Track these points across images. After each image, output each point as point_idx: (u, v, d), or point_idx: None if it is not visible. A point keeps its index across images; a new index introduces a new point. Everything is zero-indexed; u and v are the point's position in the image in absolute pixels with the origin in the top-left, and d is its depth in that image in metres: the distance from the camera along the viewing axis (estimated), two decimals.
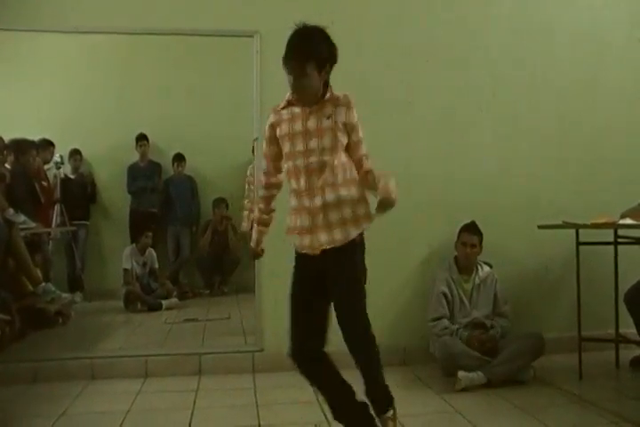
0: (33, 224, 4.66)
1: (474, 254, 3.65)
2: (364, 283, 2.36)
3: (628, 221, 3.25)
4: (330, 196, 2.26)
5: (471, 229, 3.66)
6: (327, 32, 2.27)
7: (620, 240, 3.60)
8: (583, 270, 3.55)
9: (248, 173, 5.03)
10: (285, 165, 2.35)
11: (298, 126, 2.29)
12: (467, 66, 4.03)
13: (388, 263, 3.88)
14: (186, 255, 6.61)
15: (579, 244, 3.53)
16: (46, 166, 5.77)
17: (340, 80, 3.81)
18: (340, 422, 2.38)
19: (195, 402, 3.16)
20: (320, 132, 2.26)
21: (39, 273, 4.11)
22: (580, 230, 3.50)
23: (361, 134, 2.35)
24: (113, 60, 6.25)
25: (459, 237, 3.68)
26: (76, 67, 6.29)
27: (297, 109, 2.32)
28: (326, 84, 2.31)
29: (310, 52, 2.21)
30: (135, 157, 6.60)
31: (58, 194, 5.84)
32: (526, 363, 3.41)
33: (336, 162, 2.27)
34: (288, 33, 3.80)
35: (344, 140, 2.30)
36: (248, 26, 3.80)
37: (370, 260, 3.82)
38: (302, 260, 2.36)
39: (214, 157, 6.56)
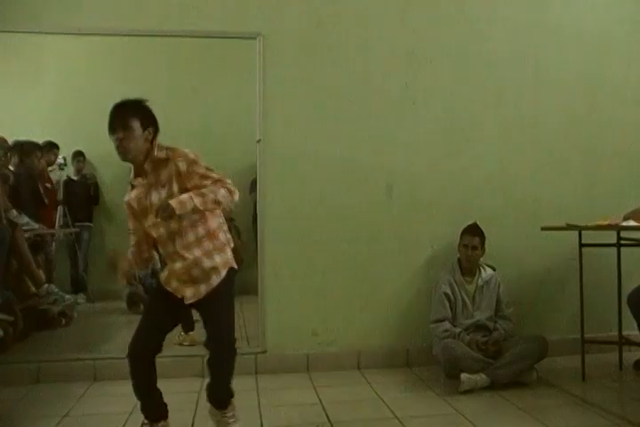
0: (36, 226, 4.68)
1: (476, 256, 3.65)
2: (232, 307, 2.62)
3: (631, 222, 3.24)
4: (188, 257, 2.48)
5: (473, 230, 3.66)
6: (147, 104, 2.53)
7: (622, 242, 3.60)
8: (586, 272, 3.54)
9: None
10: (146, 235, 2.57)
11: (143, 202, 2.49)
12: (470, 66, 4.02)
13: (390, 265, 3.89)
14: None
15: (581, 246, 3.53)
16: (50, 168, 5.79)
17: (344, 81, 3.87)
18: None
19: (197, 403, 3.17)
20: (155, 205, 2.43)
21: (42, 274, 4.12)
22: (583, 232, 3.50)
23: (202, 170, 2.51)
24: (116, 62, 6.26)
25: (461, 239, 3.68)
26: (79, 68, 6.29)
27: (140, 183, 2.52)
28: (151, 155, 2.49)
29: (133, 110, 2.47)
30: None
31: (61, 196, 5.85)
32: (529, 365, 3.40)
33: (184, 224, 2.45)
34: (290, 35, 3.86)
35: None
36: (251, 28, 3.81)
37: (373, 261, 3.86)
38: (166, 292, 2.59)
39: (216, 158, 6.54)
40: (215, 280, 2.53)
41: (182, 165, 2.45)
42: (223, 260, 2.57)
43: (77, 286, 6.13)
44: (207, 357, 2.59)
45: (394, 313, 3.89)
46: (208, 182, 2.46)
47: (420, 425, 2.84)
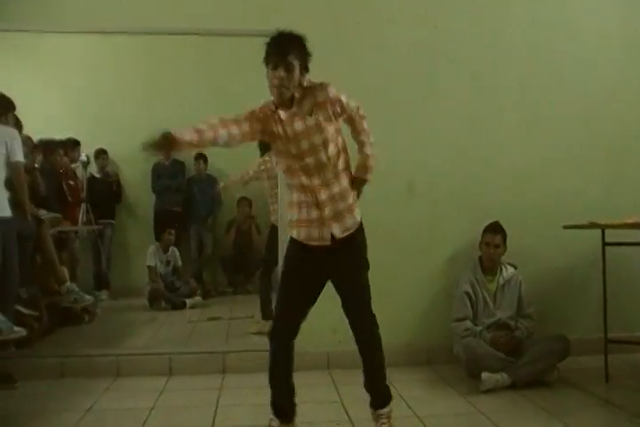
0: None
1: (497, 255, 3.62)
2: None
3: None
4: (334, 189, 2.41)
5: (494, 229, 3.63)
6: (304, 39, 2.40)
7: None
8: (610, 271, 3.50)
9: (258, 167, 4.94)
10: (282, 163, 2.46)
11: (288, 130, 2.38)
12: (490, 62, 3.99)
13: (412, 263, 3.88)
14: (208, 253, 6.66)
15: (605, 244, 3.49)
16: (73, 165, 5.86)
17: (364, 78, 3.86)
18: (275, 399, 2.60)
19: (218, 400, 3.19)
20: (308, 133, 2.36)
21: (65, 272, 4.16)
22: (607, 231, 3.45)
23: (353, 104, 2.48)
24: (138, 60, 6.32)
25: (482, 238, 3.66)
26: (101, 67, 6.36)
27: (283, 114, 2.39)
28: (301, 86, 2.39)
29: (297, 48, 2.33)
30: (159, 155, 6.64)
31: (84, 193, 5.92)
32: (551, 364, 3.38)
33: (330, 154, 2.38)
34: (309, 32, 3.83)
35: (332, 128, 2.40)
36: (270, 26, 3.79)
37: (394, 259, 3.85)
38: (303, 251, 2.47)
39: (235, 156, 6.58)
40: (357, 216, 2.49)
41: (332, 95, 2.41)
42: (354, 198, 2.52)
43: (100, 282, 6.21)
44: (357, 338, 2.55)
45: (414, 311, 3.87)
46: (360, 129, 2.55)
47: (440, 424, 2.83)
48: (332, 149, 2.39)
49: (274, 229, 4.43)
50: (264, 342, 3.93)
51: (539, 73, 4.04)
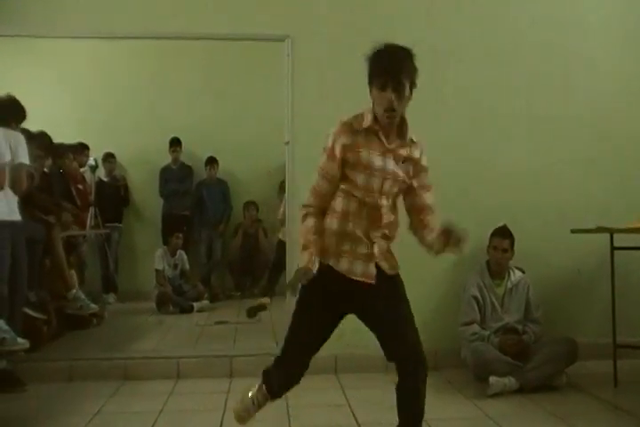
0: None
1: (505, 259, 3.61)
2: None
3: None
4: (391, 236, 2.23)
5: (503, 233, 3.63)
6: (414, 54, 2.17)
7: None
8: (618, 275, 3.49)
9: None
10: (352, 194, 2.11)
11: (377, 160, 2.08)
12: (498, 64, 4.00)
13: (418, 267, 3.85)
14: (217, 258, 6.67)
15: (613, 248, 3.47)
16: (82, 169, 5.89)
17: (365, 81, 3.85)
18: None
19: (226, 404, 3.18)
20: (396, 176, 2.12)
21: (74, 277, 4.19)
22: (615, 235, 3.44)
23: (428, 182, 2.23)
24: (147, 65, 6.36)
25: (490, 242, 3.65)
26: (110, 71, 6.41)
27: (374, 138, 2.10)
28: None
29: (413, 72, 2.10)
30: (167, 159, 6.69)
31: (92, 197, 5.95)
32: (559, 369, 3.36)
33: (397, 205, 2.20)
34: (319, 36, 3.87)
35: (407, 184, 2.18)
36: (279, 30, 3.83)
37: (400, 263, 3.83)
38: (337, 284, 2.15)
39: (245, 160, 6.62)
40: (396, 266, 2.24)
41: (425, 161, 2.21)
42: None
43: (108, 285, 6.25)
44: (399, 378, 2.14)
45: (422, 315, 3.80)
46: (426, 202, 2.25)
47: None
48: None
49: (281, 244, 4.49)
50: (271, 346, 3.96)
51: (543, 74, 4.04)
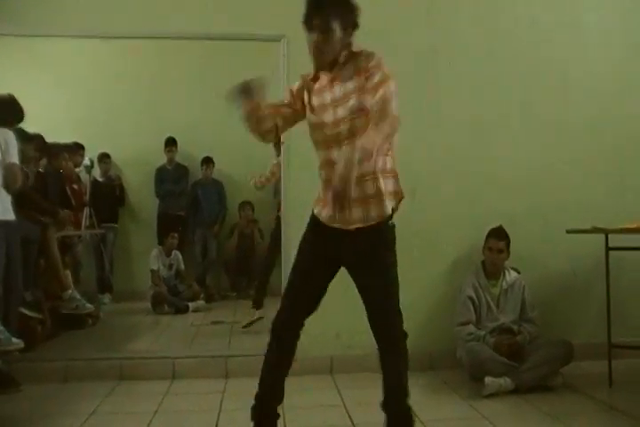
0: None
1: (501, 260, 3.62)
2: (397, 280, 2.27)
3: None
4: (366, 165, 2.08)
5: (498, 233, 3.63)
6: None
7: None
8: (613, 276, 3.50)
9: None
10: (313, 135, 2.26)
11: (326, 97, 2.19)
12: (495, 66, 4.00)
13: (414, 267, 3.87)
14: (212, 258, 6.67)
15: (608, 249, 3.48)
16: (77, 169, 5.87)
17: None
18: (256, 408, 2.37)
19: (221, 404, 3.19)
20: (346, 97, 2.14)
21: (69, 277, 4.18)
22: (610, 235, 3.45)
23: (378, 78, 2.14)
24: (142, 65, 6.35)
25: (486, 242, 3.66)
26: (106, 71, 6.39)
27: (324, 81, 2.22)
28: (348, 48, 2.20)
29: (335, 8, 2.12)
30: (163, 159, 6.68)
31: (87, 197, 5.94)
32: (555, 369, 3.37)
33: (370, 123, 2.08)
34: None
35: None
36: (275, 30, 3.83)
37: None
38: (323, 233, 2.22)
39: (241, 160, 6.61)
40: (383, 211, 2.15)
41: (371, 64, 2.18)
42: (394, 188, 2.20)
43: (103, 286, 6.23)
44: (379, 353, 2.24)
45: (417, 316, 3.86)
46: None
47: None
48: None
49: (279, 220, 4.43)
50: (265, 346, 3.96)
51: (542, 77, 4.04)
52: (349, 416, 2.99)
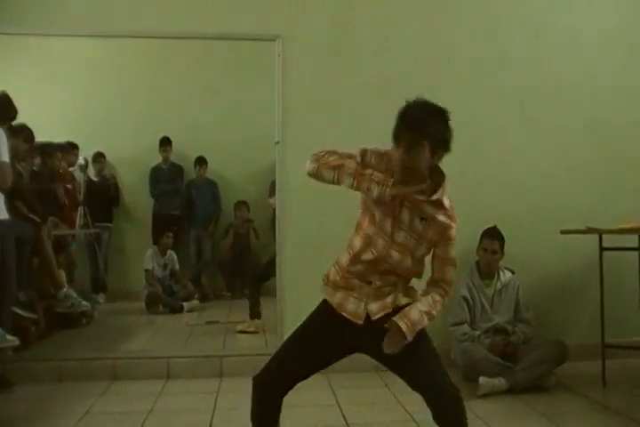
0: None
1: (495, 260, 3.63)
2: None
3: None
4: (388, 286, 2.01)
5: (492, 234, 3.64)
6: (448, 115, 1.99)
7: None
8: (607, 276, 3.51)
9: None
10: (369, 233, 2.00)
11: (388, 213, 1.96)
12: (491, 69, 4.02)
13: None
14: (207, 258, 6.66)
15: (602, 249, 3.49)
16: (71, 169, 5.86)
17: (364, 83, 3.87)
18: None
19: (216, 404, 3.18)
20: (412, 230, 1.97)
21: (63, 276, 4.16)
22: (604, 236, 3.46)
23: (453, 254, 2.04)
24: (137, 64, 6.33)
25: (480, 243, 3.66)
26: (100, 71, 6.37)
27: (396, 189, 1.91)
28: (435, 176, 2.03)
29: (430, 129, 1.92)
30: (158, 159, 6.66)
31: (81, 196, 5.92)
32: (549, 369, 3.38)
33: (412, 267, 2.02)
34: (310, 37, 3.88)
35: (425, 252, 2.03)
36: (270, 30, 3.83)
37: None
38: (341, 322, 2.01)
39: (236, 160, 6.61)
40: (402, 300, 2.02)
41: (451, 233, 2.02)
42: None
43: (97, 285, 6.21)
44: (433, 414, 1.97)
45: None
46: (444, 277, 2.05)
47: None
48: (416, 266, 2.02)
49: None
50: (261, 346, 3.96)
51: (539, 79, 4.06)
52: (344, 416, 2.99)
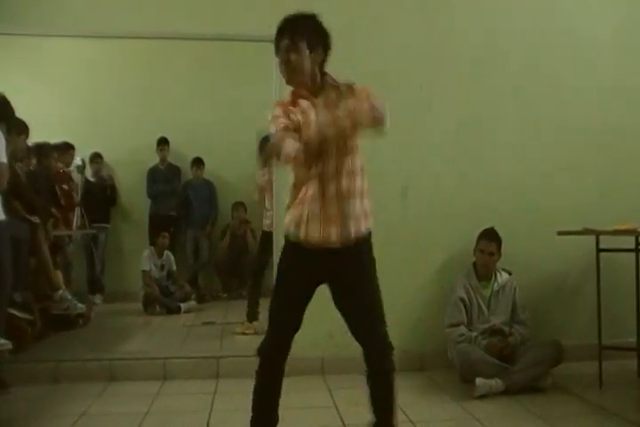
0: None
1: (492, 262, 3.63)
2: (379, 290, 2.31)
3: None
4: (346, 184, 2.15)
5: (490, 236, 3.64)
6: (320, 20, 2.28)
7: None
8: (604, 277, 3.51)
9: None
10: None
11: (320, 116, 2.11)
12: (487, 69, 4.02)
13: (405, 268, 3.88)
14: (204, 258, 6.65)
15: (599, 250, 3.50)
16: (68, 169, 5.85)
17: (361, 83, 3.85)
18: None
19: (212, 405, 3.18)
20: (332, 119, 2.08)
21: (60, 277, 4.15)
22: (601, 237, 3.47)
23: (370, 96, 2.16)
24: (134, 65, 6.34)
25: (477, 244, 3.67)
26: (97, 71, 6.37)
27: (305, 103, 2.18)
28: (323, 72, 2.26)
29: (302, 29, 2.19)
30: (155, 159, 6.66)
31: (78, 197, 5.91)
32: (545, 370, 3.38)
33: (353, 145, 2.19)
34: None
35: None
36: (268, 30, 3.81)
37: (388, 265, 3.81)
38: (304, 254, 2.19)
39: (233, 161, 6.61)
40: (363, 229, 2.17)
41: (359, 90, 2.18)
42: (370, 209, 2.21)
43: (94, 286, 6.21)
44: (367, 368, 2.25)
45: (409, 316, 3.87)
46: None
47: None
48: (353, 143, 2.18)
49: (264, 236, 4.47)
50: (257, 347, 3.95)
51: (535, 80, 4.05)
52: (341, 417, 2.99)
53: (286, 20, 2.22)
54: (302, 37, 2.17)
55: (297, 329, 2.28)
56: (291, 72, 2.18)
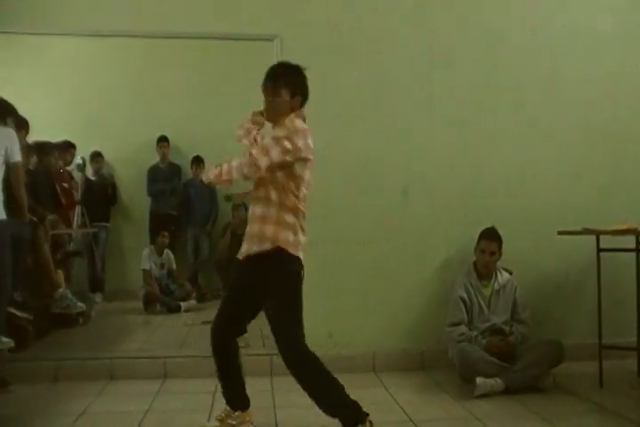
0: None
1: (492, 261, 3.63)
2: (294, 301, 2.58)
3: None
4: (256, 213, 2.64)
5: (491, 235, 3.64)
6: (304, 71, 2.60)
7: None
8: (604, 277, 3.51)
9: None
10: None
11: None
12: (488, 67, 4.01)
13: (406, 267, 3.89)
14: (205, 257, 6.65)
15: (599, 250, 3.50)
16: (68, 168, 5.85)
17: (361, 83, 3.87)
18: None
19: (213, 404, 3.18)
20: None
21: (61, 276, 4.15)
22: (601, 237, 3.47)
23: (267, 141, 2.55)
24: (134, 63, 6.32)
25: (478, 244, 3.66)
26: (97, 69, 6.35)
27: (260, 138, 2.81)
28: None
29: (285, 76, 2.56)
30: (156, 158, 6.66)
31: (79, 196, 5.91)
32: (545, 370, 3.38)
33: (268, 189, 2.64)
34: (308, 37, 3.89)
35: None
36: (268, 30, 3.83)
37: (389, 264, 3.86)
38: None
39: (232, 159, 6.59)
40: (264, 245, 2.52)
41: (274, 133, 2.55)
42: (276, 233, 2.53)
43: (94, 285, 6.20)
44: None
45: (409, 316, 3.88)
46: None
47: None
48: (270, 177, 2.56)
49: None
50: (257, 346, 3.95)
51: (536, 79, 4.06)
52: None
53: (275, 65, 2.64)
54: (284, 82, 2.56)
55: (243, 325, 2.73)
56: (270, 111, 2.64)
